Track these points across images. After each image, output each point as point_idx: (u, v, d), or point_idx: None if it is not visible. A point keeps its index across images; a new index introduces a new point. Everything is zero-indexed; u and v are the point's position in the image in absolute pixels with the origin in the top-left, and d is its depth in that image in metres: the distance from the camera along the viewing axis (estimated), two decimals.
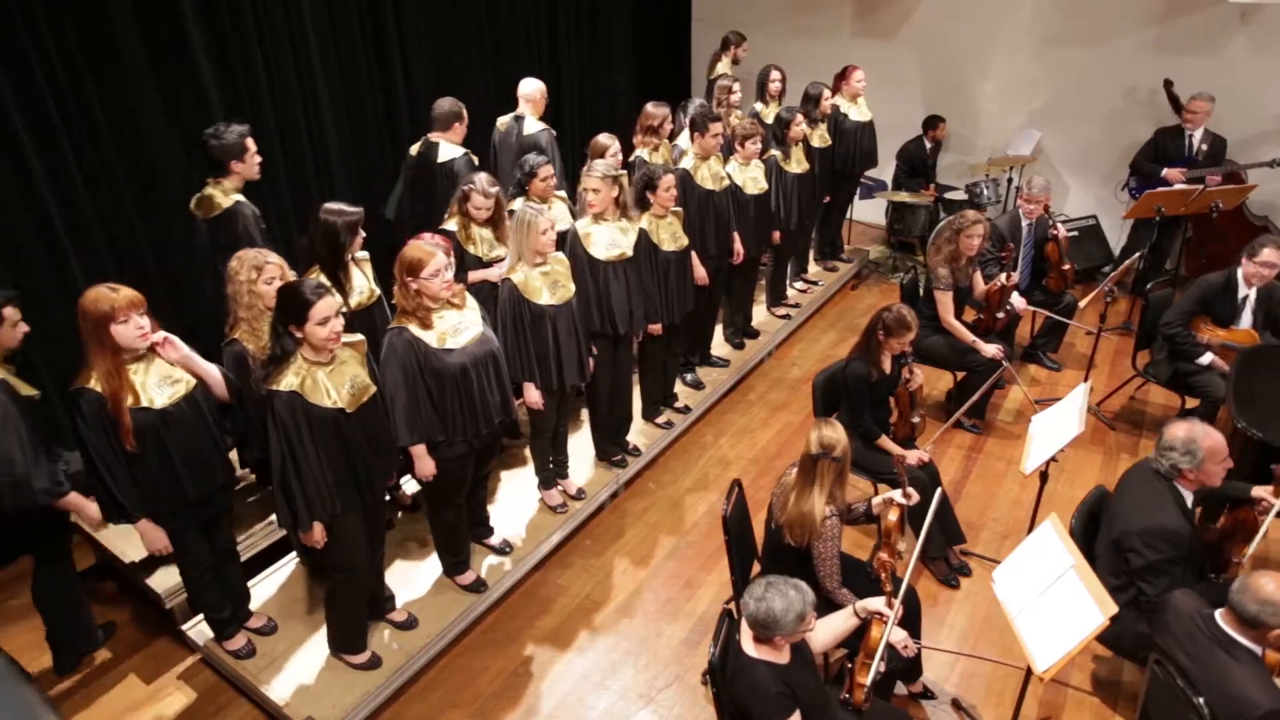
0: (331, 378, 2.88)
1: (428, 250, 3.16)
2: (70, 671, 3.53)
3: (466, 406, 3.31)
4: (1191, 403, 4.74)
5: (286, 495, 2.89)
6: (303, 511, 2.91)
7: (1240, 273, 4.47)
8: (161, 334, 2.91)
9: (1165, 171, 5.95)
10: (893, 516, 3.13)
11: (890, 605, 2.74)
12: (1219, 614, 2.59)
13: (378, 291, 3.73)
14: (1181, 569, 3.01)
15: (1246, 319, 4.59)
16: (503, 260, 4.13)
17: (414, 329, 3.17)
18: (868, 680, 2.67)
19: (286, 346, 2.84)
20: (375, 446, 3.07)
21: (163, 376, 2.89)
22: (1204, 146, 5.98)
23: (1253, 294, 4.54)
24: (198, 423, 2.98)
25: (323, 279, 3.31)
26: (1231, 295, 4.54)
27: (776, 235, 5.67)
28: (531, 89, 5.20)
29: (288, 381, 2.80)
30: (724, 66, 6.81)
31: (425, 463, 3.34)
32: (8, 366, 3.04)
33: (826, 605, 3.07)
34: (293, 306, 2.79)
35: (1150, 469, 3.15)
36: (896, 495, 3.18)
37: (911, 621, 3.17)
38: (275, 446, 2.84)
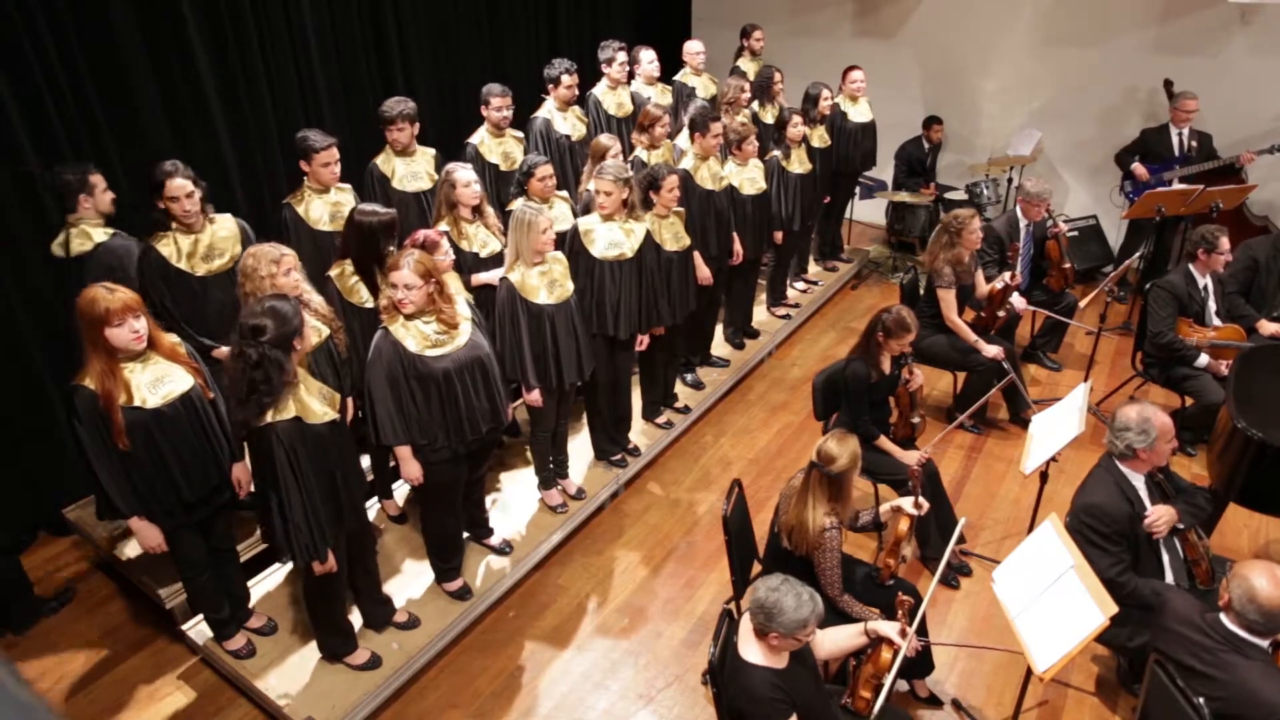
0: (310, 391, 2.82)
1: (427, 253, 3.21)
2: (24, 630, 3.69)
3: (451, 413, 3.26)
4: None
5: (298, 528, 2.79)
6: (320, 541, 2.85)
7: (1193, 266, 4.64)
8: None
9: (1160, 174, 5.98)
10: (903, 526, 3.11)
11: (904, 635, 2.70)
12: (1224, 616, 2.58)
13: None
14: (1121, 549, 3.06)
15: (1212, 307, 4.72)
16: (497, 254, 4.13)
17: (398, 334, 3.14)
18: (876, 701, 2.65)
19: (286, 378, 2.69)
20: (354, 454, 3.04)
21: (158, 377, 2.88)
22: (1193, 144, 6.01)
23: (1209, 281, 4.70)
24: (193, 424, 2.96)
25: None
26: (1195, 287, 4.67)
27: (779, 235, 5.67)
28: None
29: (289, 410, 2.70)
30: (744, 62, 6.79)
31: (410, 465, 3.31)
32: None
33: (830, 611, 3.07)
34: (292, 326, 2.68)
35: (1102, 459, 3.23)
36: (907, 505, 3.16)
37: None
38: (287, 479, 2.72)
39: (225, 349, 3.50)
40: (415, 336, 3.15)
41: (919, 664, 3.28)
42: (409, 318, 3.15)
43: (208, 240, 3.63)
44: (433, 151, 4.77)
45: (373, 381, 3.16)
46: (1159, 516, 3.10)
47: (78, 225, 3.61)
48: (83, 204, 3.63)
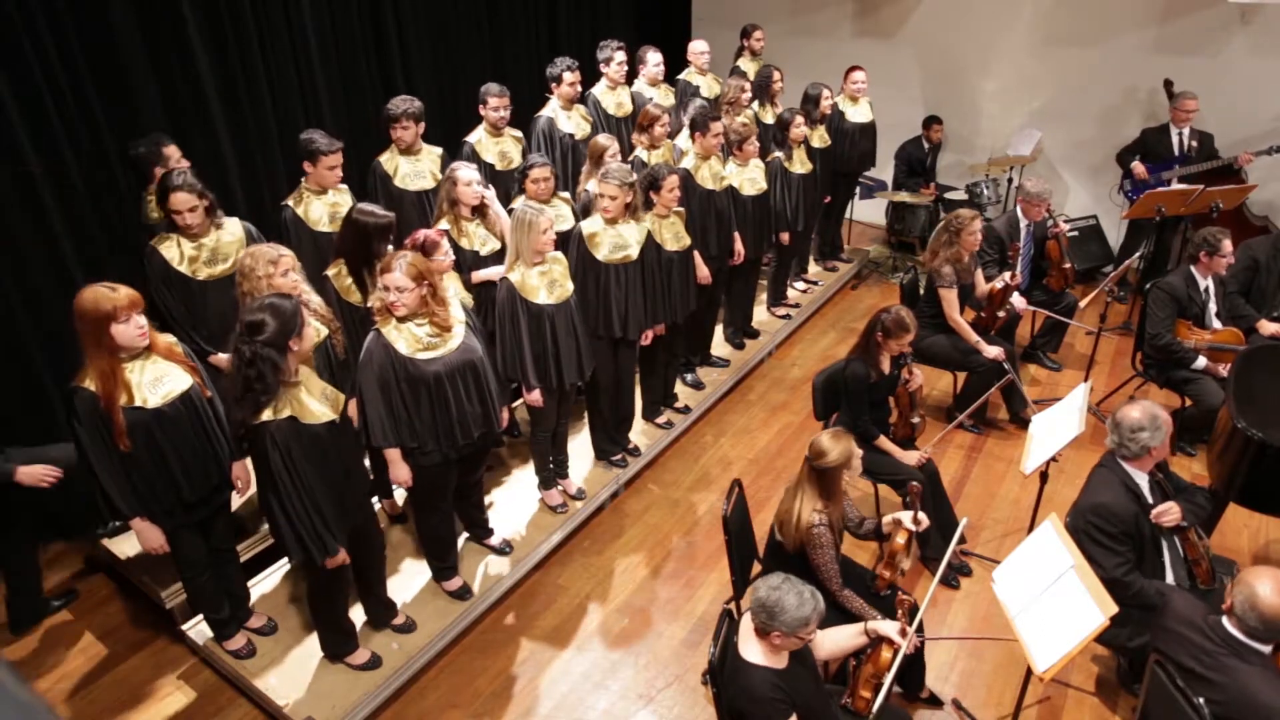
0: (311, 392, 2.82)
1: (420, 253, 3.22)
2: (25, 630, 3.71)
3: (442, 416, 3.23)
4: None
5: (304, 526, 2.80)
6: (328, 537, 2.85)
7: (1195, 268, 4.62)
8: None
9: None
10: (900, 539, 3.12)
11: (904, 634, 2.71)
12: (1225, 619, 2.58)
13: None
14: (1127, 549, 3.06)
15: (1212, 309, 4.71)
16: (498, 251, 4.13)
17: (390, 336, 3.14)
18: (876, 700, 2.66)
19: (281, 375, 2.68)
20: (356, 454, 3.04)
21: (157, 376, 2.88)
22: (1194, 144, 6.01)
23: (1210, 284, 4.69)
24: (193, 423, 2.96)
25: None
26: (1195, 289, 4.66)
27: (785, 236, 5.67)
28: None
29: (286, 409, 2.69)
30: (744, 62, 6.78)
31: (400, 468, 3.30)
32: None
33: (832, 608, 3.07)
34: (291, 325, 2.67)
35: (1104, 459, 3.23)
36: (906, 520, 3.15)
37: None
38: (284, 479, 2.72)
39: (223, 355, 3.50)
40: (407, 339, 3.15)
41: (909, 679, 3.28)
42: (401, 320, 3.14)
43: (212, 245, 3.63)
44: (439, 151, 4.77)
45: (363, 383, 3.15)
46: (1168, 508, 3.12)
47: (154, 196, 3.68)
48: (158, 176, 3.70)
